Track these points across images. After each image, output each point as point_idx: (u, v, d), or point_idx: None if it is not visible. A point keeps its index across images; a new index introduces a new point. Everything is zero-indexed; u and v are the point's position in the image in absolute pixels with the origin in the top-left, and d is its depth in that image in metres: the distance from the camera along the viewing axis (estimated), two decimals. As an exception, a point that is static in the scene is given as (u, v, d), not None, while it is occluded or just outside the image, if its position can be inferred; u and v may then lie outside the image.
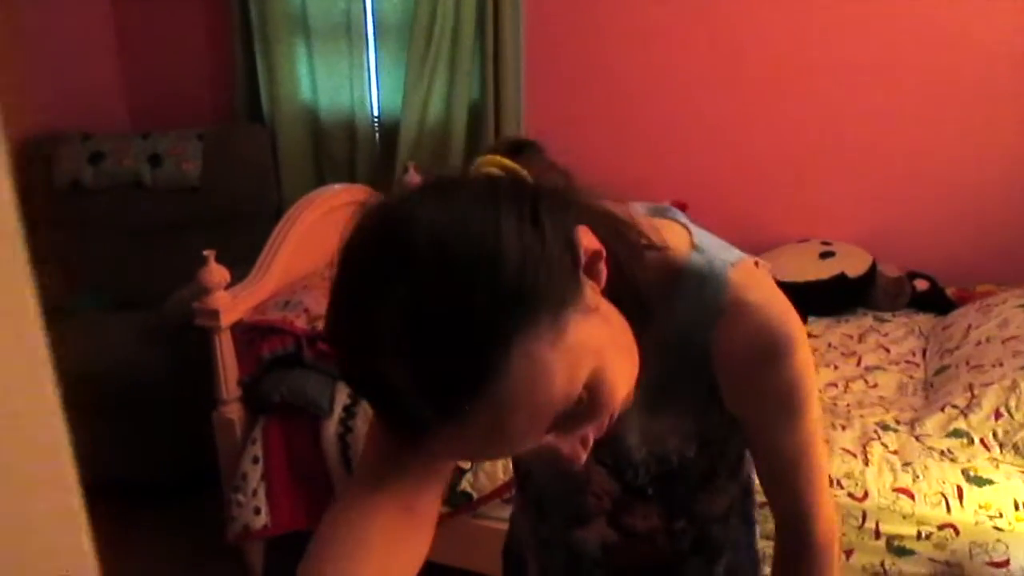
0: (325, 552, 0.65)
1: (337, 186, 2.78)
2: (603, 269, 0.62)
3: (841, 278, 2.67)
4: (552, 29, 3.06)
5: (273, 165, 3.24)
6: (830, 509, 0.87)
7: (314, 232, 2.46)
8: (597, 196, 0.71)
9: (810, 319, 2.68)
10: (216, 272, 2.14)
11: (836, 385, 2.22)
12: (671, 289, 0.74)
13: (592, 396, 0.60)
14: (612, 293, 0.64)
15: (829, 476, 1.79)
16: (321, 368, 2.16)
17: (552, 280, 0.56)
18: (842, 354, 2.42)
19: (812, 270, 2.71)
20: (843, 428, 1.96)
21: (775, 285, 0.78)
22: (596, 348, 0.59)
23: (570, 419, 0.60)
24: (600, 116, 3.12)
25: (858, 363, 2.35)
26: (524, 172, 0.65)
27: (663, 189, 2.97)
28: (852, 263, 2.71)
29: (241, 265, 2.36)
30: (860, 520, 1.80)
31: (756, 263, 0.78)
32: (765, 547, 0.97)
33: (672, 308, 0.73)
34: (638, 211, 0.77)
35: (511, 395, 0.54)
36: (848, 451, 1.88)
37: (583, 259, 0.60)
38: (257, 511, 2.19)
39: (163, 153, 3.14)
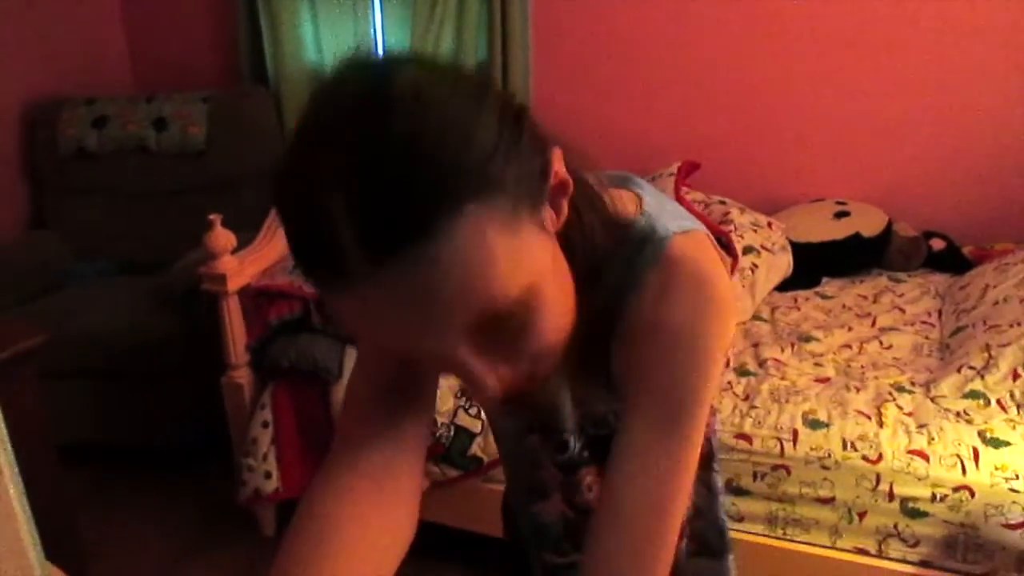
0: (296, 550, 0.65)
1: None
2: (565, 205, 0.60)
3: (856, 238, 2.63)
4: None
5: (279, 127, 3.20)
6: None
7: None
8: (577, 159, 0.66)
9: (824, 280, 2.65)
10: (222, 236, 2.12)
11: (851, 346, 2.19)
12: (612, 253, 0.69)
13: (522, 318, 0.57)
14: (566, 246, 0.62)
15: (843, 440, 1.80)
16: (330, 332, 2.14)
17: (519, 176, 0.54)
18: (857, 315, 2.39)
19: (827, 230, 2.67)
20: (857, 390, 1.94)
21: (721, 264, 0.71)
22: (540, 268, 0.57)
23: (494, 334, 0.56)
24: (609, 77, 3.06)
25: (873, 324, 2.32)
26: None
27: (675, 150, 2.92)
28: (867, 223, 2.67)
29: (247, 229, 2.34)
30: (874, 482, 1.79)
31: (727, 237, 0.74)
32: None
33: (610, 270, 0.69)
34: (601, 179, 0.72)
35: (448, 260, 0.50)
36: (862, 413, 1.86)
37: (552, 179, 0.58)
38: (268, 475, 2.19)
39: (168, 117, 3.10)
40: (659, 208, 0.72)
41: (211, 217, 2.11)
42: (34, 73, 3.19)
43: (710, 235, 0.73)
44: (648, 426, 0.66)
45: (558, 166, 0.59)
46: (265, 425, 2.19)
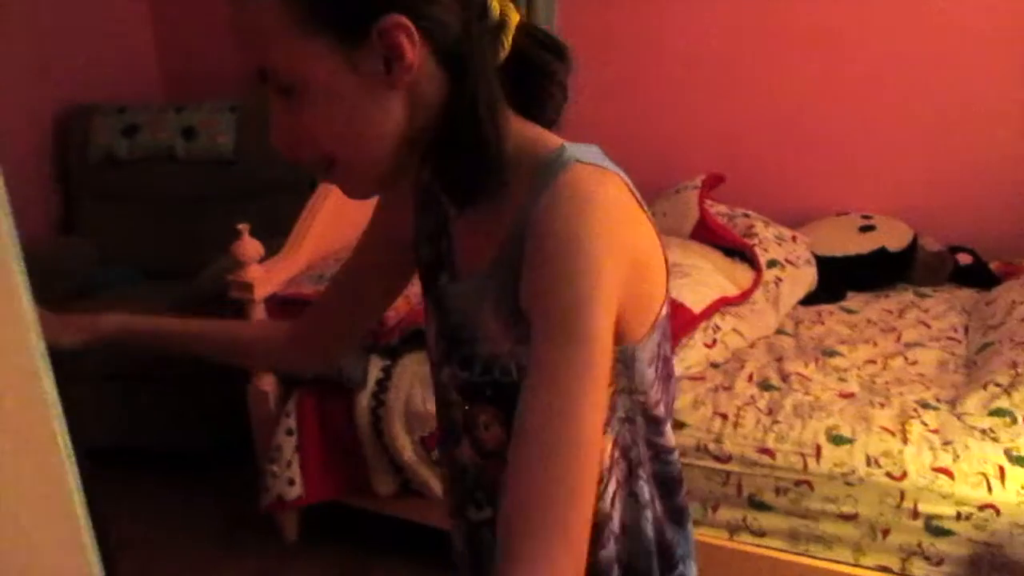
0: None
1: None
2: (398, 69, 0.69)
3: (881, 252, 2.62)
4: (586, -2, 3.01)
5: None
6: (527, 493, 0.64)
7: (347, 205, 2.43)
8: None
9: (849, 294, 2.63)
10: (250, 246, 2.15)
11: (875, 362, 2.18)
12: (526, 178, 0.73)
13: (295, 92, 0.71)
14: (440, 114, 0.73)
15: (867, 456, 1.79)
16: (356, 343, 2.16)
17: (331, 10, 0.68)
18: (881, 330, 2.38)
19: (852, 244, 2.66)
20: (882, 406, 1.92)
21: (632, 205, 0.73)
22: (314, 72, 0.69)
23: (280, 91, 0.72)
24: (633, 89, 3.07)
25: (898, 339, 2.31)
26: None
27: (700, 161, 2.93)
28: (893, 237, 2.66)
29: (274, 236, 2.36)
30: (898, 499, 1.78)
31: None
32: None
33: (519, 194, 0.73)
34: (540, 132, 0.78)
35: (249, 10, 0.69)
36: (887, 429, 1.84)
37: (376, 38, 0.68)
38: (291, 482, 2.21)
39: (197, 126, 3.15)
40: (579, 149, 0.74)
41: (239, 227, 2.14)
42: (67, 82, 3.25)
43: (628, 182, 0.74)
44: (545, 337, 0.66)
45: (395, 36, 0.68)
46: (289, 432, 2.21)
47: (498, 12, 0.73)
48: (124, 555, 2.26)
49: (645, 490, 0.83)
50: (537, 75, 0.78)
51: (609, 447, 0.79)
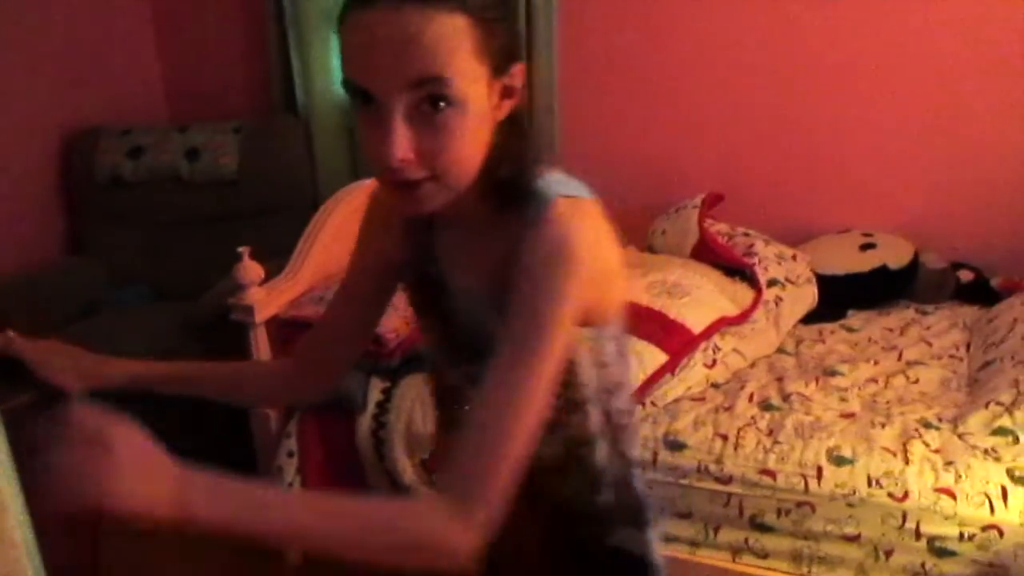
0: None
1: (372, 180, 2.78)
2: (505, 105, 0.84)
3: (882, 270, 2.62)
4: (586, 18, 3.02)
5: (309, 159, 3.25)
6: (461, 492, 0.78)
7: (349, 227, 2.43)
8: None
9: (850, 312, 2.63)
10: (251, 269, 2.16)
11: (876, 380, 2.18)
12: (522, 191, 0.88)
13: (445, 113, 0.78)
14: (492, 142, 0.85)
15: (868, 476, 1.78)
16: (355, 364, 2.16)
17: (501, 47, 0.81)
18: (883, 348, 2.37)
19: (853, 262, 2.66)
20: (883, 425, 1.92)
21: (600, 226, 0.87)
22: (476, 98, 0.79)
23: (423, 109, 0.78)
24: (633, 109, 3.08)
25: (899, 357, 2.30)
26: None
27: (700, 180, 2.93)
28: (894, 254, 2.66)
29: (277, 258, 2.37)
30: (900, 520, 1.77)
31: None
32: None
33: (512, 219, 0.87)
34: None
35: (430, 28, 0.75)
36: (888, 449, 1.84)
37: (507, 77, 0.83)
38: (293, 504, 2.21)
39: (200, 147, 3.16)
40: (558, 180, 0.89)
41: (240, 249, 2.14)
42: (73, 104, 3.27)
43: (598, 204, 0.89)
44: (509, 345, 0.81)
45: (518, 78, 0.84)
46: (291, 455, 2.21)
47: None
48: (127, 577, 2.26)
49: (631, 455, 1.00)
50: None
51: (596, 414, 0.96)
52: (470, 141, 0.81)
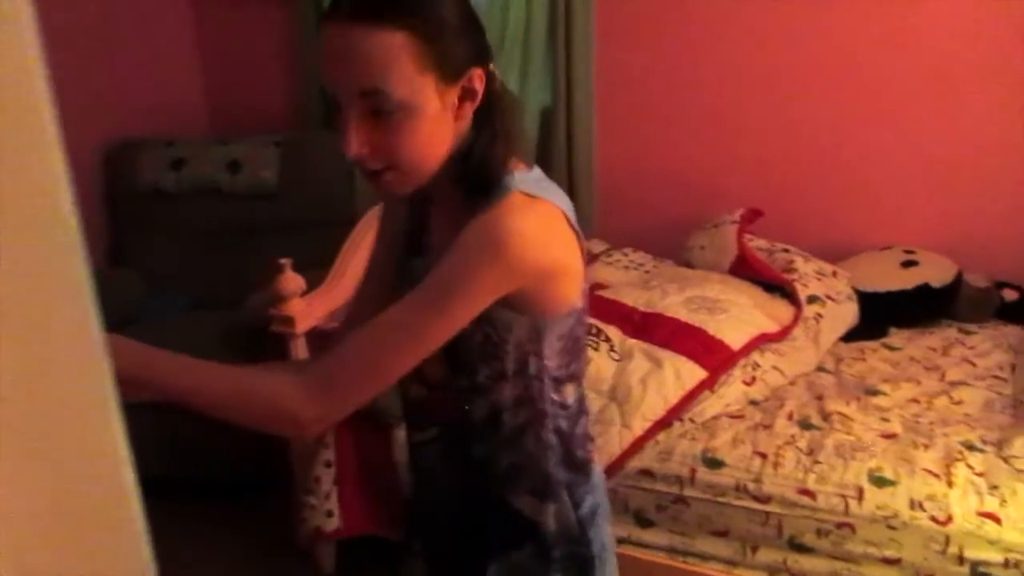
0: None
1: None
2: (467, 108, 0.95)
3: (924, 288, 2.58)
4: (623, 34, 3.03)
5: (347, 172, 3.29)
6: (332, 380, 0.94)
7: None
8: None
9: (891, 330, 2.60)
10: (292, 280, 2.18)
11: (918, 401, 2.14)
12: (486, 198, 0.96)
13: (397, 119, 0.89)
14: (462, 143, 0.97)
15: (910, 499, 1.75)
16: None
17: (446, 55, 0.90)
18: (925, 368, 2.34)
19: (894, 279, 2.63)
20: (925, 447, 1.89)
21: (547, 226, 0.95)
22: (423, 104, 0.90)
23: (377, 114, 0.89)
24: (672, 124, 3.08)
25: (942, 378, 2.27)
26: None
27: (738, 195, 2.92)
28: (936, 272, 2.62)
29: (315, 269, 2.40)
30: (943, 545, 1.74)
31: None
32: None
33: (479, 208, 0.95)
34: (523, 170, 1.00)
35: (373, 45, 0.87)
36: (931, 472, 1.81)
37: (464, 81, 0.93)
38: (329, 514, 2.22)
39: (241, 160, 3.21)
40: (526, 178, 0.98)
41: (281, 261, 2.17)
42: (117, 116, 3.34)
43: (566, 213, 0.98)
44: (415, 291, 0.93)
45: (476, 82, 0.93)
46: (328, 464, 2.23)
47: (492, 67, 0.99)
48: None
49: (551, 438, 1.07)
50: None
51: (509, 392, 1.04)
52: (421, 139, 0.92)
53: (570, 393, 1.09)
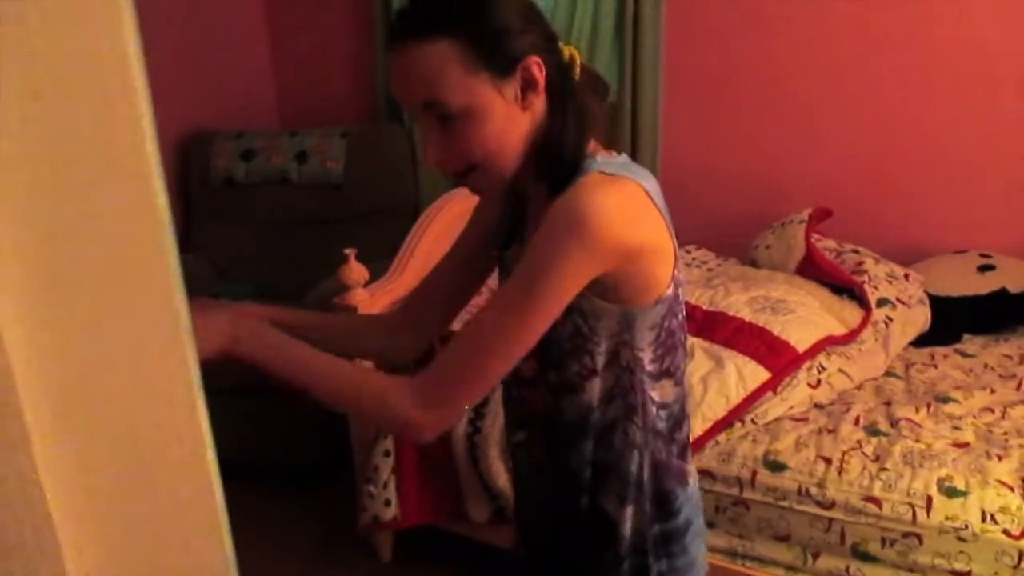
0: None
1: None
2: (532, 98, 0.94)
3: (1001, 293, 2.49)
4: (694, 29, 2.99)
5: (412, 165, 3.32)
6: (436, 380, 0.94)
7: (450, 231, 2.47)
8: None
9: (965, 337, 2.52)
10: (356, 270, 2.21)
11: (992, 410, 2.07)
12: (574, 166, 0.97)
13: (461, 122, 0.91)
14: (541, 132, 0.97)
15: (982, 511, 1.70)
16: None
17: (493, 51, 0.90)
18: (1000, 376, 2.26)
19: (969, 284, 2.55)
20: (999, 458, 1.83)
21: (631, 203, 0.92)
22: (484, 104, 0.91)
23: (445, 120, 0.92)
24: (740, 120, 3.03)
25: (1018, 387, 2.19)
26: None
27: (806, 195, 2.86)
28: (1014, 277, 2.53)
29: (379, 260, 2.42)
30: (1015, 559, 1.68)
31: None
32: None
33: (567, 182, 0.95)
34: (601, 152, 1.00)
35: (421, 59, 0.90)
36: (1005, 484, 1.75)
37: (521, 72, 0.92)
38: (387, 503, 2.25)
39: (309, 151, 3.27)
40: (608, 160, 0.97)
41: (346, 251, 2.20)
42: (190, 108, 3.42)
43: (649, 192, 0.95)
44: (504, 287, 0.95)
45: (534, 70, 0.93)
46: (387, 454, 2.25)
47: (567, 55, 0.98)
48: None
49: (637, 435, 1.03)
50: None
51: (599, 387, 1.01)
52: (491, 136, 0.93)
53: (669, 391, 1.05)
